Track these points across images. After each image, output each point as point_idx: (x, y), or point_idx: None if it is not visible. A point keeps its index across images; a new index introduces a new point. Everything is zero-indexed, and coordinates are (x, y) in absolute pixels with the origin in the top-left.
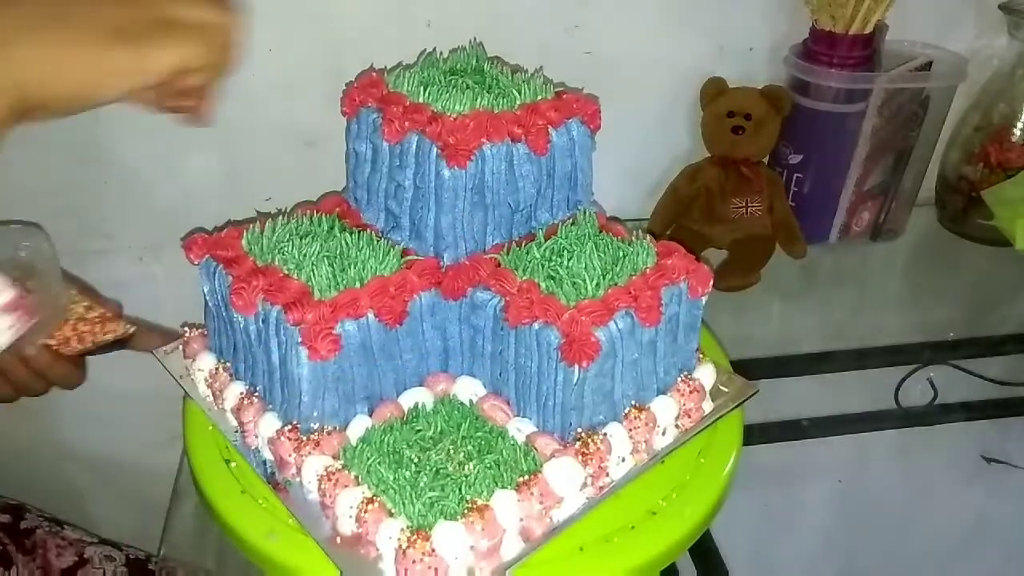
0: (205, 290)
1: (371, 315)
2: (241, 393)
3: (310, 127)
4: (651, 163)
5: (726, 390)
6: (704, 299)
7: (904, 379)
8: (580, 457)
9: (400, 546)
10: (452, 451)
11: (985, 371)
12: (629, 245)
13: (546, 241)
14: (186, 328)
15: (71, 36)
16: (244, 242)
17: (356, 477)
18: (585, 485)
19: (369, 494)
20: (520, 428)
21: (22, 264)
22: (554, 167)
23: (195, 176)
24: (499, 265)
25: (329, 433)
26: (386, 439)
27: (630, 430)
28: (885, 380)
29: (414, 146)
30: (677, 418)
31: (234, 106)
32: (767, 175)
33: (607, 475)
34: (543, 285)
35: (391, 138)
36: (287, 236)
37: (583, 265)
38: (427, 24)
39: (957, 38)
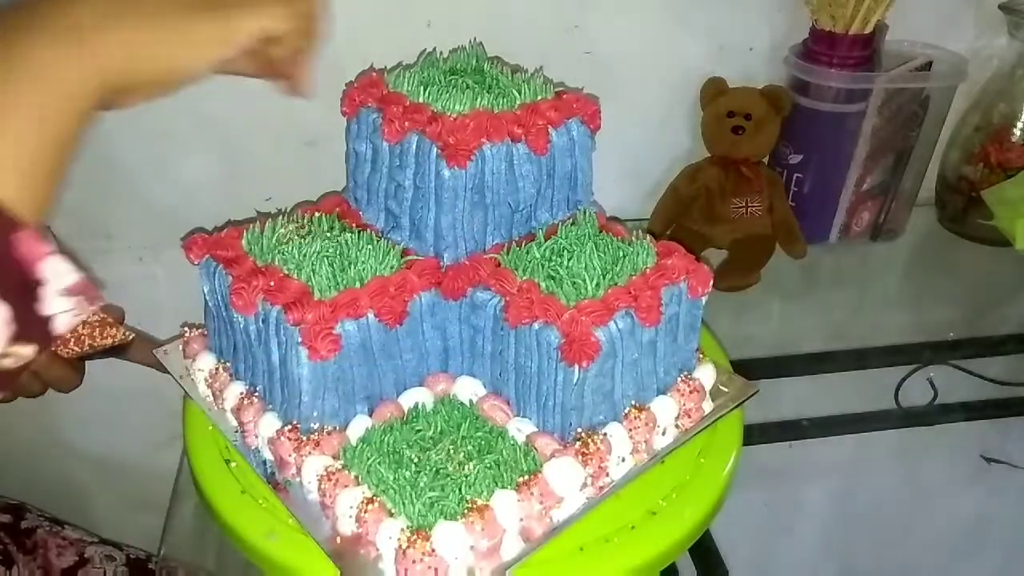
0: (205, 290)
1: (371, 315)
2: (241, 393)
3: (310, 127)
4: (651, 163)
5: (726, 390)
6: (704, 299)
7: (904, 379)
8: (580, 457)
9: (400, 546)
10: (452, 451)
11: (985, 371)
12: (629, 245)
13: (546, 241)
14: (186, 328)
15: (153, 12)
16: (244, 242)
17: (356, 477)
18: (585, 485)
19: (369, 494)
20: (520, 428)
21: None
22: (554, 167)
23: (195, 176)
24: (499, 265)
25: (329, 433)
26: (386, 439)
27: (630, 430)
28: (885, 380)
29: (414, 146)
30: (677, 418)
31: (234, 106)
32: (767, 175)
33: (607, 475)
34: (543, 285)
35: (391, 138)
36: (287, 236)
37: (583, 265)
38: (427, 24)
39: (957, 38)
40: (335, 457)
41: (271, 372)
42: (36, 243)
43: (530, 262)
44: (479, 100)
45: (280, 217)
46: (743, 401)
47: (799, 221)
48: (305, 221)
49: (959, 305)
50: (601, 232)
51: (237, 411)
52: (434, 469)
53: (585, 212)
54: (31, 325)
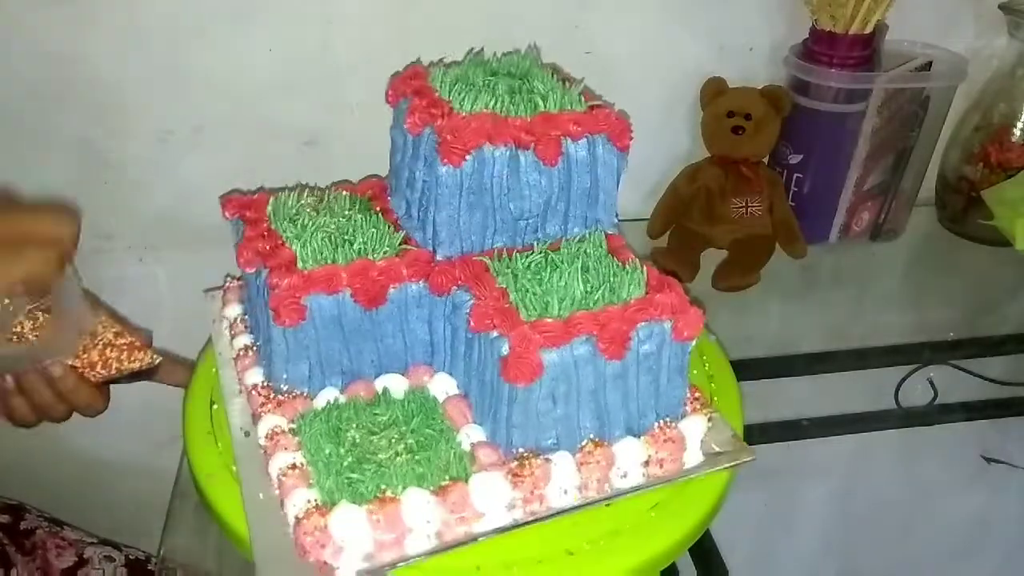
0: (235, 244)
1: (347, 293)
2: (245, 345)
3: (310, 127)
4: (651, 163)
5: (718, 449)
6: (692, 344)
7: (904, 379)
8: (512, 477)
9: (298, 515)
10: (394, 440)
11: (985, 371)
12: (622, 273)
13: (542, 254)
14: (229, 276)
15: None
16: (269, 207)
17: (298, 443)
18: (514, 507)
19: (302, 461)
20: (470, 435)
21: None
22: (570, 181)
23: (195, 176)
24: (487, 269)
25: (294, 397)
26: (340, 414)
27: (581, 464)
28: (885, 380)
29: (426, 140)
30: (646, 465)
31: (234, 106)
32: (767, 175)
33: (542, 502)
34: (512, 296)
35: (412, 130)
36: (305, 208)
37: (563, 284)
38: (428, 24)
39: (957, 38)
40: (291, 420)
41: (262, 330)
42: None
43: (514, 271)
44: (496, 103)
45: (309, 189)
46: (730, 466)
47: (799, 221)
48: (328, 197)
49: (959, 305)
50: (603, 255)
51: (235, 360)
52: (366, 453)
53: (595, 232)
54: None
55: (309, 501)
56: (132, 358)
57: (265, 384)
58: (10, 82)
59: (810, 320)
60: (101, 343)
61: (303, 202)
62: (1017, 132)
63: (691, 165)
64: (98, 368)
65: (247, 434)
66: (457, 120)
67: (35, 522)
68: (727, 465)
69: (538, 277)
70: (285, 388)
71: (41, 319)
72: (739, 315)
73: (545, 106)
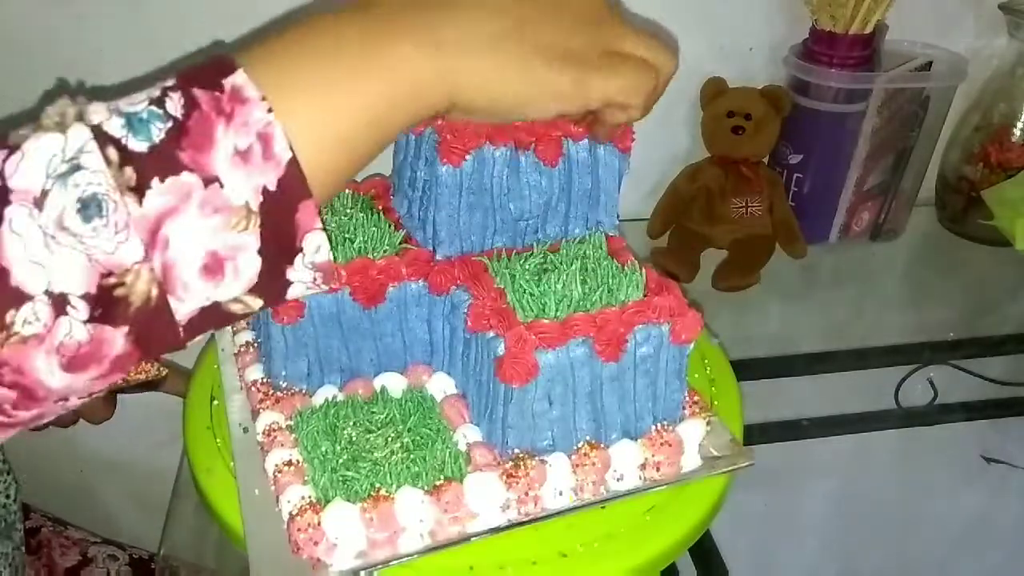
0: None
1: (346, 292)
2: (247, 341)
3: None
4: (651, 163)
5: (716, 453)
6: (690, 347)
7: (904, 379)
8: (506, 478)
9: (292, 512)
10: (390, 439)
11: (985, 371)
12: (621, 275)
13: (541, 254)
14: None
15: (516, 56)
16: None
17: (295, 439)
18: (508, 507)
19: (297, 458)
20: (466, 435)
21: None
22: (570, 182)
23: None
24: (486, 269)
25: (293, 394)
26: (338, 412)
27: (576, 466)
28: (885, 380)
29: (427, 140)
30: (643, 468)
31: None
32: (767, 175)
33: (536, 504)
34: (510, 296)
35: (415, 130)
36: None
37: (560, 286)
38: None
39: (957, 38)
40: (289, 417)
41: (261, 327)
42: (314, 216)
43: (512, 272)
44: None
45: None
46: (728, 471)
47: (799, 221)
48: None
49: (959, 305)
50: (602, 257)
51: (236, 356)
52: (362, 451)
53: (595, 234)
54: (273, 283)
55: (303, 498)
56: (139, 369)
57: (265, 380)
58: (11, 82)
59: (810, 320)
60: None
61: None
62: (1017, 132)
63: (691, 165)
64: None
65: (245, 430)
66: (457, 121)
67: (39, 521)
68: (725, 470)
69: (536, 278)
70: (284, 385)
71: None
72: (739, 315)
73: None
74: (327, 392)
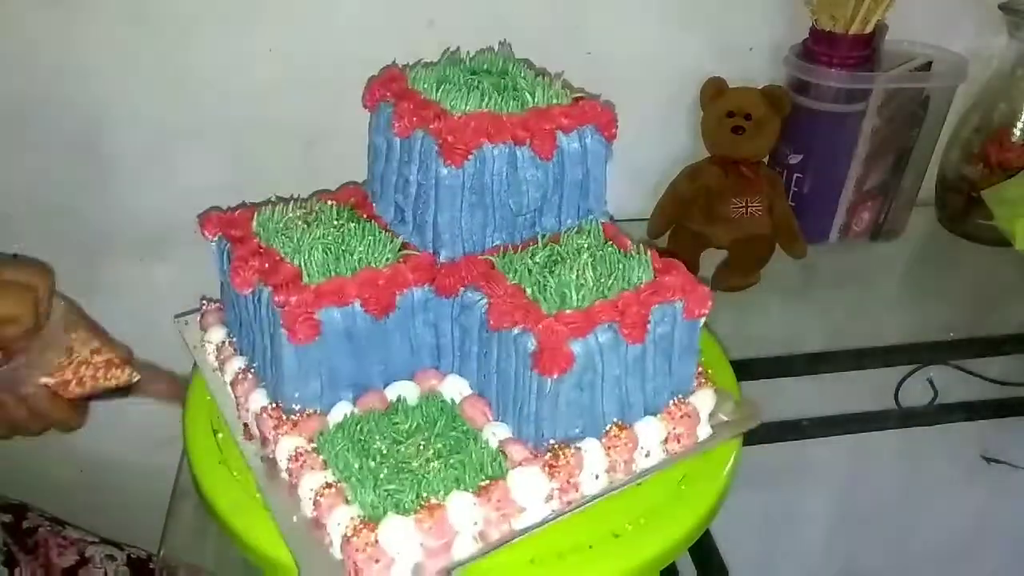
0: (217, 266)
1: (357, 304)
2: (241, 368)
3: (310, 127)
4: (651, 163)
5: (726, 418)
6: (701, 321)
7: (904, 379)
8: (547, 469)
9: (346, 533)
10: (422, 447)
11: (985, 371)
12: (628, 259)
13: (545, 247)
14: (204, 301)
15: None
16: (255, 223)
17: (324, 461)
18: (551, 498)
19: (332, 479)
20: (495, 433)
21: None
22: (563, 173)
23: (195, 176)
24: (493, 267)
25: (309, 416)
26: (361, 428)
27: (608, 448)
28: (885, 380)
29: (419, 142)
30: (665, 441)
31: (235, 106)
32: (767, 175)
33: (577, 490)
34: (529, 291)
35: (401, 133)
36: (294, 221)
37: (574, 275)
38: (428, 23)
39: (957, 38)
40: (310, 439)
41: (264, 350)
42: None
43: (523, 267)
44: (487, 101)
45: (293, 202)
46: (738, 433)
47: (799, 221)
48: (315, 208)
49: (959, 305)
50: (605, 243)
51: (234, 385)
52: (399, 463)
53: (591, 222)
54: None
55: (352, 518)
56: (109, 376)
57: (274, 406)
58: (10, 82)
59: (810, 320)
60: (76, 361)
61: (291, 215)
62: (1017, 132)
63: (691, 165)
64: (72, 387)
65: (263, 459)
66: (454, 121)
67: (37, 521)
68: (739, 431)
69: (549, 271)
70: (297, 408)
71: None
72: (739, 315)
73: (534, 101)
74: (343, 409)
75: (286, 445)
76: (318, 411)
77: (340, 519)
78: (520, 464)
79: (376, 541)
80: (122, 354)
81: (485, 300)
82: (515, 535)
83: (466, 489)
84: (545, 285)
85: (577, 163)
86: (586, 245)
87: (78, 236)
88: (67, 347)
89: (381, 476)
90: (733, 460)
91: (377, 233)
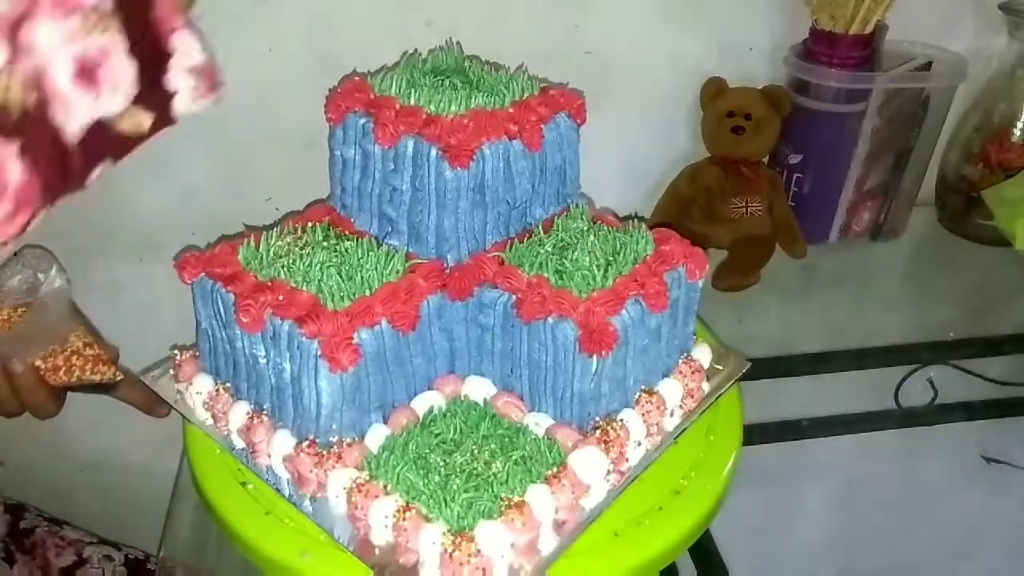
0: (200, 310)
1: (384, 322)
2: (248, 413)
3: (310, 127)
4: (651, 163)
5: (720, 368)
6: (701, 282)
7: (904, 379)
8: (602, 445)
9: (446, 550)
10: (476, 451)
11: (985, 371)
12: (627, 234)
13: (545, 235)
14: (176, 351)
15: None
16: (241, 258)
17: (385, 486)
18: (609, 472)
19: (403, 502)
20: (538, 422)
21: (32, 285)
22: (546, 162)
23: (195, 176)
24: (503, 263)
25: (348, 445)
26: (409, 446)
27: (643, 414)
28: (885, 380)
29: (410, 149)
30: (682, 399)
31: (234, 106)
32: (767, 175)
33: (627, 460)
34: (552, 279)
35: (385, 142)
36: (286, 249)
37: (587, 257)
38: (427, 24)
39: (957, 38)
40: (359, 468)
41: (281, 389)
42: (172, 11)
43: (535, 258)
44: (473, 100)
45: (272, 230)
46: (740, 378)
47: (799, 221)
48: (300, 232)
49: (959, 305)
50: (596, 223)
51: (246, 431)
52: (463, 471)
53: (578, 205)
54: (154, 92)
55: (444, 534)
56: (95, 370)
57: (308, 443)
58: None
59: (810, 320)
60: (69, 350)
61: (278, 243)
62: (1017, 132)
63: (691, 165)
64: (60, 373)
65: (313, 499)
66: (452, 123)
67: (34, 521)
68: (736, 378)
69: (563, 257)
70: (334, 440)
71: (19, 313)
72: (739, 315)
73: (511, 95)
74: (379, 432)
75: (340, 479)
76: (355, 439)
77: (432, 538)
78: (576, 446)
79: (479, 551)
80: (110, 353)
81: (507, 296)
82: (591, 515)
83: (536, 481)
84: (564, 271)
85: (556, 150)
86: (584, 227)
87: (78, 236)
88: (64, 336)
89: (454, 487)
90: (733, 460)
91: (375, 248)
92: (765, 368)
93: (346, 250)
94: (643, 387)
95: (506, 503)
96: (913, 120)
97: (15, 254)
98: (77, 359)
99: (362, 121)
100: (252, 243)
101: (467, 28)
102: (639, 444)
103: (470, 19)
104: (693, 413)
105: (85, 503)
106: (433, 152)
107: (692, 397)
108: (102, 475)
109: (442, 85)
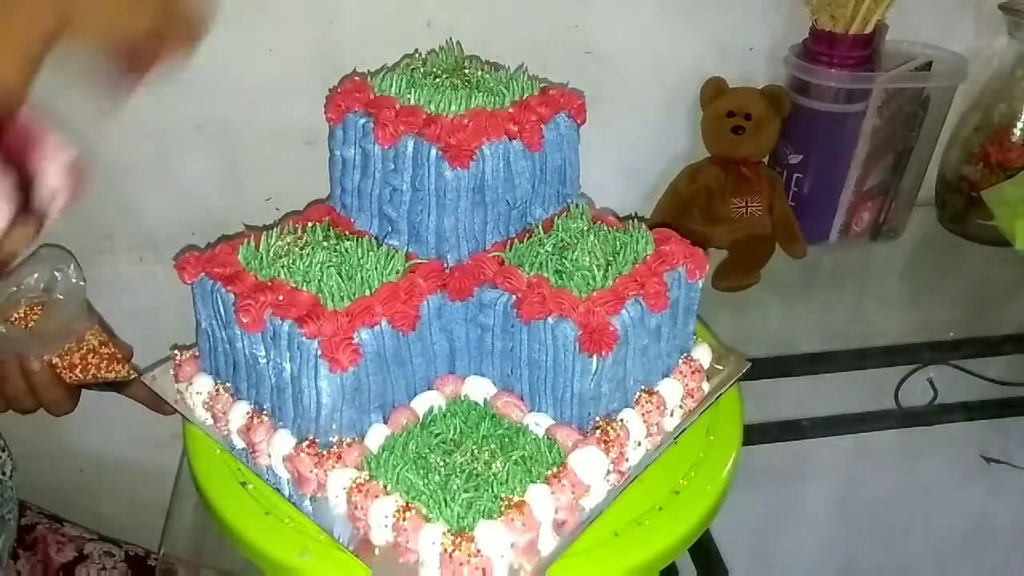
0: (200, 310)
1: (385, 322)
2: (247, 413)
3: (310, 127)
4: (651, 163)
5: (720, 368)
6: (701, 282)
7: (904, 379)
8: (602, 445)
9: (446, 550)
10: (476, 451)
11: (985, 371)
12: (627, 234)
13: (545, 235)
14: (176, 351)
15: None
16: (241, 258)
17: (385, 486)
18: (609, 472)
19: (403, 502)
20: (538, 422)
21: (49, 284)
22: (546, 162)
23: (195, 176)
24: (503, 263)
25: (348, 445)
26: (409, 446)
27: (643, 414)
28: (885, 380)
29: (410, 149)
30: (682, 399)
31: (234, 106)
32: (767, 175)
33: (627, 460)
34: (552, 279)
35: (385, 142)
36: (286, 249)
37: (587, 257)
38: (427, 24)
39: (957, 38)
40: (359, 468)
41: (281, 389)
42: (36, 118)
43: (535, 258)
44: (473, 100)
45: (272, 230)
46: (739, 378)
47: (799, 221)
48: (300, 232)
49: (959, 305)
50: (596, 223)
51: (246, 431)
52: (463, 471)
53: (578, 205)
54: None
55: (444, 534)
56: (110, 368)
57: (308, 443)
58: None
59: (810, 320)
60: (85, 348)
61: (278, 243)
62: (1017, 132)
63: (691, 165)
64: (76, 371)
65: (313, 499)
66: (452, 123)
67: (35, 518)
68: (736, 378)
69: (563, 257)
70: (334, 440)
71: (36, 311)
72: (739, 315)
73: (511, 95)
74: (379, 432)
75: (340, 479)
76: (355, 439)
77: (432, 538)
78: (576, 446)
79: (478, 551)
80: (125, 351)
81: (507, 296)
82: (591, 515)
83: (536, 481)
84: (564, 271)
85: (556, 150)
86: (584, 227)
87: (78, 236)
88: (80, 334)
89: (454, 487)
90: (733, 460)
91: (375, 248)
92: (765, 368)
93: (346, 250)
94: (643, 387)
95: (506, 503)
96: (913, 120)
97: (33, 252)
98: (93, 357)
99: (362, 121)
100: (252, 243)
101: (467, 28)
102: (639, 444)
103: (470, 19)
104: (693, 413)
105: (85, 502)
106: (433, 152)
107: (692, 397)
108: (102, 475)
109: (442, 85)
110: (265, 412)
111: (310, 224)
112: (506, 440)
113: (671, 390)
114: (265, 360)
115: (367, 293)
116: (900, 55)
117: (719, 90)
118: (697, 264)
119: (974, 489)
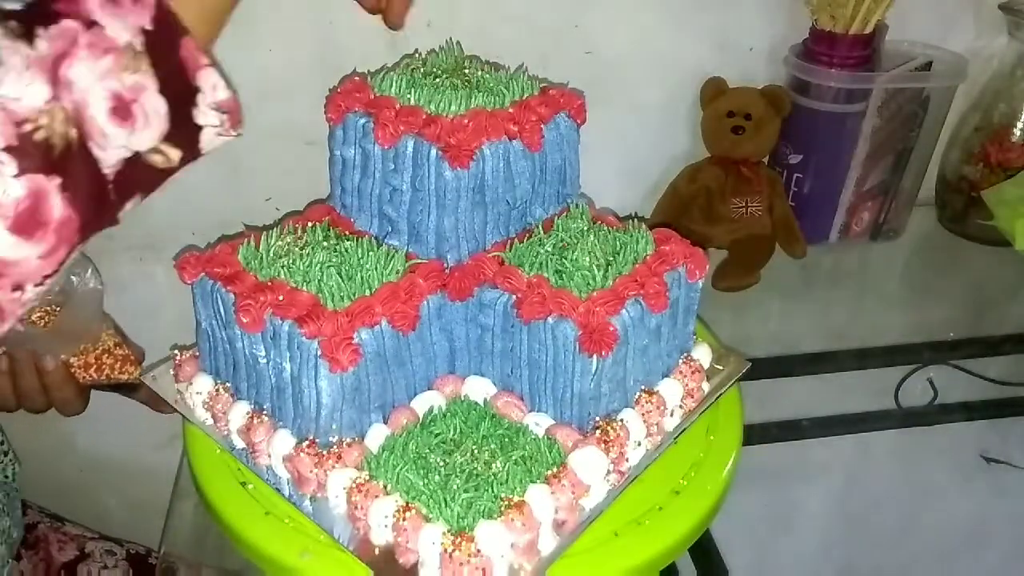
0: (200, 310)
1: (385, 322)
2: (247, 413)
3: (310, 127)
4: (651, 163)
5: (720, 368)
6: (701, 282)
7: (904, 379)
8: (602, 445)
9: (446, 550)
10: (476, 451)
11: (985, 371)
12: (627, 234)
13: (545, 236)
14: (176, 351)
15: None
16: (241, 258)
17: (385, 486)
18: (609, 472)
19: (402, 502)
20: (538, 422)
21: (66, 287)
22: (546, 162)
23: (195, 176)
24: (503, 263)
25: (348, 445)
26: (409, 446)
27: (643, 414)
28: (885, 380)
29: (410, 149)
30: (682, 399)
31: None
32: (767, 175)
33: (627, 460)
34: (552, 279)
35: (385, 142)
36: (286, 248)
37: (587, 257)
38: (427, 24)
39: (957, 38)
40: (359, 468)
41: (281, 389)
42: (197, 52)
43: (535, 258)
44: (473, 100)
45: (272, 230)
46: (739, 378)
47: (799, 221)
48: (300, 232)
49: (959, 305)
50: (596, 223)
51: (246, 431)
52: (463, 471)
53: (578, 205)
54: (183, 128)
55: (444, 534)
56: (122, 370)
57: (308, 443)
58: None
59: (810, 320)
60: (100, 348)
61: (278, 243)
62: (1017, 132)
63: (691, 165)
64: (91, 371)
65: (313, 499)
66: (452, 123)
67: (36, 517)
68: (736, 378)
69: (563, 257)
70: (334, 440)
71: (54, 312)
72: (739, 315)
73: (511, 95)
74: (379, 432)
75: (340, 479)
76: (355, 439)
77: (432, 538)
78: (576, 446)
79: (478, 551)
80: (137, 354)
81: (507, 296)
82: (591, 515)
83: (536, 481)
84: (564, 271)
85: (556, 151)
86: (584, 227)
87: None
88: (96, 335)
89: (454, 487)
90: (733, 460)
91: (375, 248)
92: (765, 368)
93: (346, 250)
94: (643, 387)
95: (506, 503)
96: (913, 120)
97: None
98: (107, 358)
99: (362, 121)
100: (252, 243)
101: (467, 28)
102: (639, 444)
103: (470, 19)
104: (693, 413)
105: (86, 502)
106: (433, 152)
107: (692, 397)
108: (103, 474)
109: (442, 85)
110: (265, 412)
111: (310, 224)
112: (506, 440)
113: (671, 390)
114: (265, 360)
115: (367, 293)
116: (900, 55)
117: (719, 90)
118: (697, 264)
119: (974, 489)
